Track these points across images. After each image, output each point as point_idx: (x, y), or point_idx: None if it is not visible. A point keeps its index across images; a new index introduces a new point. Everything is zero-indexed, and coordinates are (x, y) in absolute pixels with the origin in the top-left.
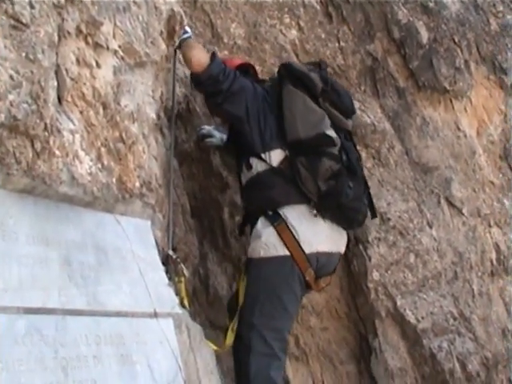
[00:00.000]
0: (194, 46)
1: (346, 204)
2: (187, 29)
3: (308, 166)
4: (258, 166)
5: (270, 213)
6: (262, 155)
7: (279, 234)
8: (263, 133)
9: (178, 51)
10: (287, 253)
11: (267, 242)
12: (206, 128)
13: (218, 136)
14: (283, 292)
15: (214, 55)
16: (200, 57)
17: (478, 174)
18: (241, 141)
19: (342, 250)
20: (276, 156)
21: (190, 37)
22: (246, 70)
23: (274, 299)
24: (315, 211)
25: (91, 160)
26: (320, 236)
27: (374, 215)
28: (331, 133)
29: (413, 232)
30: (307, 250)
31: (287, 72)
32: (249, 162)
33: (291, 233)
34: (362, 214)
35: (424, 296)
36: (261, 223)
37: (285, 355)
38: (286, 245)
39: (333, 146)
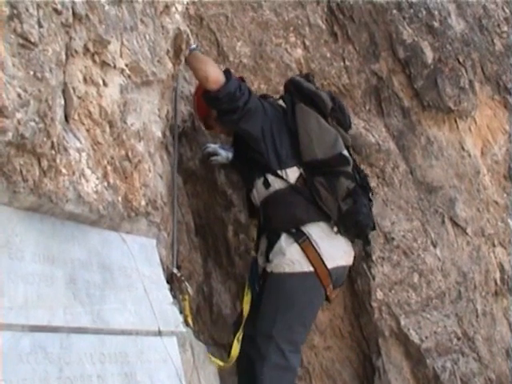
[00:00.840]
0: (206, 61)
1: (362, 221)
2: (194, 46)
3: (327, 186)
4: (275, 183)
5: (294, 230)
6: (279, 172)
7: (303, 251)
8: (279, 150)
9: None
10: (311, 269)
11: (292, 258)
12: (212, 146)
13: (224, 154)
14: (304, 306)
15: (229, 72)
16: (216, 73)
17: (482, 194)
18: (255, 158)
19: (351, 261)
20: (292, 173)
21: (196, 47)
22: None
23: (295, 313)
24: (336, 229)
25: (97, 178)
26: (339, 251)
27: (373, 228)
28: (346, 152)
29: (417, 251)
30: (329, 266)
31: (297, 90)
32: (267, 180)
33: (315, 249)
34: (370, 228)
35: (428, 316)
36: (284, 240)
37: (297, 369)
38: (310, 261)
39: (348, 166)
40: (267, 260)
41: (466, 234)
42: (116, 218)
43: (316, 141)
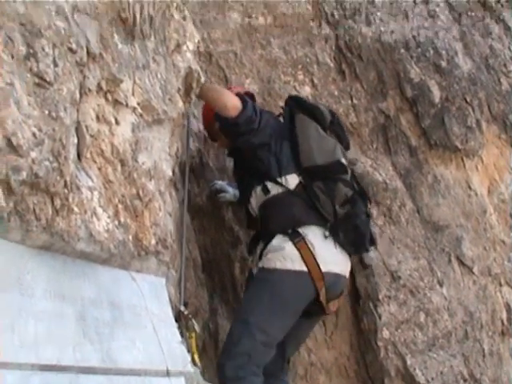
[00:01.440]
0: (221, 90)
1: (360, 227)
2: None
3: (325, 190)
4: (274, 189)
5: (290, 231)
6: (278, 179)
7: (298, 250)
8: (280, 158)
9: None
10: (304, 268)
11: (285, 255)
12: (219, 183)
13: (231, 191)
14: (288, 303)
15: (243, 97)
16: (234, 101)
17: (488, 233)
18: (255, 166)
19: (347, 274)
20: (292, 180)
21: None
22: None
23: (276, 306)
24: (327, 232)
25: (108, 217)
26: (334, 257)
27: (372, 242)
28: (344, 161)
29: (423, 290)
30: (324, 269)
31: (297, 103)
32: (266, 187)
33: (310, 250)
34: (368, 239)
35: (434, 355)
36: (279, 238)
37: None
38: (304, 261)
39: (346, 174)
40: (260, 259)
41: (473, 273)
42: (126, 256)
43: (315, 147)
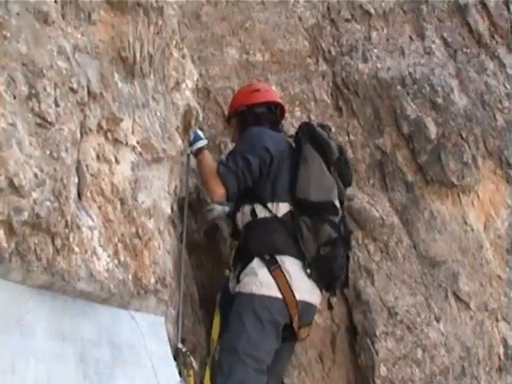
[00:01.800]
0: (208, 173)
1: (334, 271)
2: (199, 133)
3: (311, 227)
4: (261, 213)
5: (267, 257)
6: (269, 205)
7: (274, 278)
8: (275, 184)
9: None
10: (280, 295)
11: (262, 280)
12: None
13: (220, 208)
14: (269, 328)
15: (225, 179)
16: (217, 190)
17: (485, 268)
18: (250, 188)
19: (318, 304)
20: (283, 208)
21: (203, 146)
22: (275, 107)
23: (260, 330)
24: (309, 270)
25: (108, 256)
26: (308, 287)
27: (345, 285)
28: (337, 203)
29: (420, 326)
30: (298, 297)
31: (309, 133)
32: (254, 211)
33: (285, 278)
34: (340, 282)
35: None
36: (256, 263)
37: None
38: (279, 288)
39: (335, 215)
40: (237, 282)
41: (470, 308)
42: (126, 295)
43: (313, 183)
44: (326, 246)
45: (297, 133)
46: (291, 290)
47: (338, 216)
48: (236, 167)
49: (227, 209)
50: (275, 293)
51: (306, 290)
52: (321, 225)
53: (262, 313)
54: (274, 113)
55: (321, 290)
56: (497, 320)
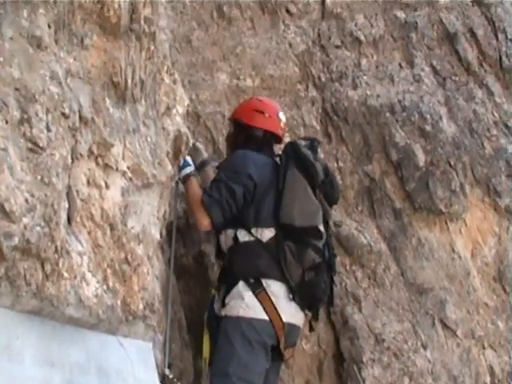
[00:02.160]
0: (193, 204)
1: (317, 296)
2: (188, 159)
3: (295, 252)
4: (244, 237)
5: (252, 280)
6: (253, 230)
7: (259, 301)
8: (259, 210)
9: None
10: (266, 318)
11: (248, 303)
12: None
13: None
14: (259, 348)
15: (210, 209)
16: (203, 220)
17: (472, 296)
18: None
19: (302, 324)
20: (267, 233)
21: (191, 172)
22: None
23: (250, 351)
24: (291, 296)
25: (97, 282)
26: (291, 309)
27: (330, 304)
28: (321, 227)
29: (407, 353)
30: (285, 319)
31: (295, 154)
32: (237, 236)
33: (271, 301)
34: (322, 303)
35: None
36: (242, 286)
37: None
38: (265, 311)
39: (320, 240)
40: (223, 305)
41: (457, 336)
42: (114, 321)
43: (297, 207)
44: (310, 271)
45: (283, 152)
46: (277, 313)
47: (322, 240)
48: (220, 196)
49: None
50: (262, 315)
51: (291, 312)
52: (305, 250)
53: (250, 334)
54: (267, 140)
55: (304, 312)
56: (483, 348)
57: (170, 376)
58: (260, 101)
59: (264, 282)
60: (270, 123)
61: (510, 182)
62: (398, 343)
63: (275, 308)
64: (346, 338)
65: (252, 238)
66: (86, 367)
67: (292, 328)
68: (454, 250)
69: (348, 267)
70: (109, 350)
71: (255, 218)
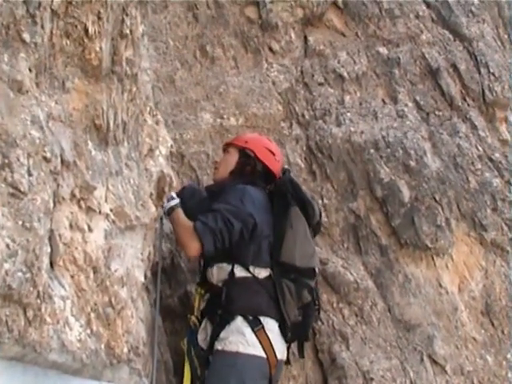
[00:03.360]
0: (180, 231)
1: (307, 336)
2: (173, 194)
3: (293, 292)
4: (242, 273)
5: (251, 318)
6: (251, 268)
7: (257, 337)
8: (260, 249)
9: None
10: (263, 355)
11: (249, 340)
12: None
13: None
14: None
15: (200, 234)
16: (191, 245)
17: (460, 331)
18: (230, 249)
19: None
20: (263, 272)
21: (176, 204)
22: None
23: None
24: (290, 334)
25: (81, 326)
26: (283, 347)
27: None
28: (317, 269)
29: None
30: (279, 357)
31: (296, 193)
32: (233, 272)
33: (268, 339)
34: (306, 339)
35: None
36: (240, 322)
37: None
38: (263, 348)
39: (313, 281)
40: (215, 339)
41: (445, 372)
42: (98, 366)
43: (299, 247)
44: (301, 309)
45: (280, 189)
46: (273, 350)
47: (314, 280)
48: (215, 225)
49: None
50: (260, 352)
51: (282, 349)
52: (302, 290)
53: (247, 373)
54: (268, 180)
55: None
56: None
57: None
58: (270, 142)
59: (262, 319)
60: (277, 167)
61: (495, 216)
62: (386, 382)
63: (271, 345)
64: (334, 378)
65: (249, 275)
66: None
67: (280, 364)
68: (441, 285)
69: (335, 305)
70: None
71: (254, 256)
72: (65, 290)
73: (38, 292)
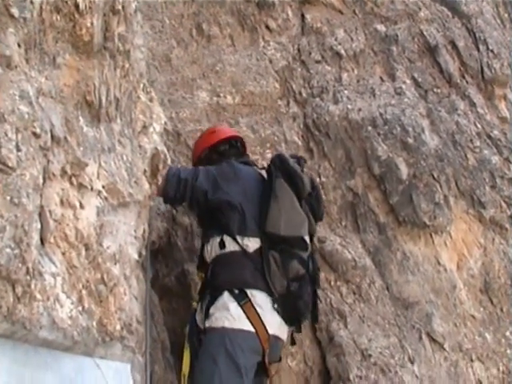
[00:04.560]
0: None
1: (299, 309)
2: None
3: (279, 263)
4: (230, 245)
5: (236, 291)
6: (238, 238)
7: (244, 312)
8: (245, 218)
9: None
10: (252, 329)
11: (234, 314)
12: None
13: None
14: (243, 362)
15: (167, 179)
16: (161, 186)
17: (458, 309)
18: (217, 219)
19: (285, 338)
20: (253, 243)
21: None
22: (235, 142)
23: (233, 367)
24: (276, 305)
25: (72, 303)
26: (275, 321)
27: (315, 320)
28: (307, 238)
29: (394, 368)
30: (270, 331)
31: (282, 166)
32: (223, 241)
33: (256, 312)
34: (304, 318)
35: None
36: (227, 297)
37: None
38: (251, 322)
39: (304, 251)
40: (206, 316)
41: (444, 349)
42: (90, 343)
43: (284, 218)
44: (294, 282)
45: (269, 165)
46: (263, 324)
47: (306, 252)
48: (184, 176)
49: None
50: (248, 326)
51: (275, 324)
52: (290, 260)
53: (235, 347)
54: (236, 147)
55: (288, 326)
56: (471, 360)
57: None
58: (205, 130)
59: (249, 292)
60: (226, 131)
61: (494, 193)
62: (384, 358)
63: (260, 319)
64: (332, 355)
65: (237, 248)
66: None
67: (276, 341)
68: (439, 263)
69: (333, 283)
70: (84, 374)
71: (240, 225)
72: (56, 267)
73: (28, 268)
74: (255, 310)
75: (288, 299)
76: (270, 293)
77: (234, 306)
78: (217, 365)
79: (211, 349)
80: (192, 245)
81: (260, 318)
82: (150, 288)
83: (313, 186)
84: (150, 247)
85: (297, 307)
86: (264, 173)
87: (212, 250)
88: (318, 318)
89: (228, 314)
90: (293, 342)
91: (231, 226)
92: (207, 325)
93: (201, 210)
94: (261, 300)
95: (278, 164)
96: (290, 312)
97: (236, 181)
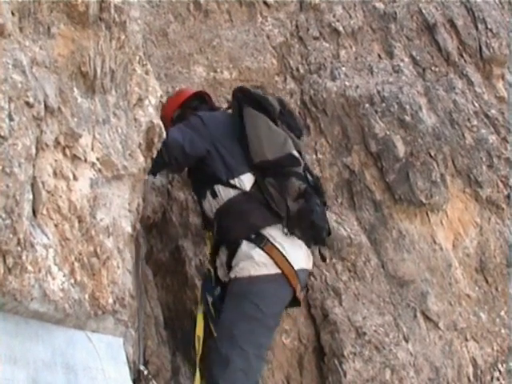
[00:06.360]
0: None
1: (316, 222)
2: None
3: (277, 186)
4: (225, 192)
5: (253, 236)
6: (231, 181)
7: (268, 254)
8: (228, 160)
9: None
10: (278, 271)
11: (258, 261)
12: None
13: None
14: (270, 309)
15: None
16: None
17: (454, 287)
18: (204, 170)
19: (311, 267)
20: (247, 180)
21: None
22: (202, 97)
23: (259, 316)
24: (286, 229)
25: (64, 275)
26: (301, 253)
27: (328, 233)
28: (296, 153)
29: (389, 346)
30: (296, 267)
31: (245, 96)
32: (214, 191)
33: (279, 251)
34: (326, 231)
35: None
36: (246, 245)
37: (260, 375)
38: (276, 263)
39: (298, 166)
40: (229, 269)
41: (438, 328)
42: (82, 316)
43: (265, 142)
44: (299, 199)
45: (232, 100)
46: (288, 261)
47: (300, 166)
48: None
49: None
50: (274, 269)
51: (299, 257)
52: (287, 180)
53: (262, 295)
54: (205, 101)
55: (309, 247)
56: (466, 339)
57: (145, 372)
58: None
59: (265, 232)
60: (189, 90)
61: (491, 173)
62: (379, 336)
63: (284, 256)
64: (326, 332)
65: (234, 193)
66: (52, 364)
67: (303, 273)
68: (435, 242)
69: (328, 260)
70: (76, 346)
71: (226, 170)
72: (48, 239)
73: (19, 239)
74: (277, 248)
75: (301, 217)
76: (282, 222)
77: (256, 253)
78: (242, 310)
79: (236, 296)
80: (187, 220)
81: (283, 255)
82: (144, 263)
83: (282, 103)
84: (145, 222)
85: (313, 223)
86: (229, 110)
87: (210, 204)
88: (330, 231)
89: (253, 262)
90: (323, 259)
91: (218, 173)
92: (232, 275)
93: (185, 167)
94: (279, 236)
95: (241, 95)
96: (309, 229)
97: (206, 128)
